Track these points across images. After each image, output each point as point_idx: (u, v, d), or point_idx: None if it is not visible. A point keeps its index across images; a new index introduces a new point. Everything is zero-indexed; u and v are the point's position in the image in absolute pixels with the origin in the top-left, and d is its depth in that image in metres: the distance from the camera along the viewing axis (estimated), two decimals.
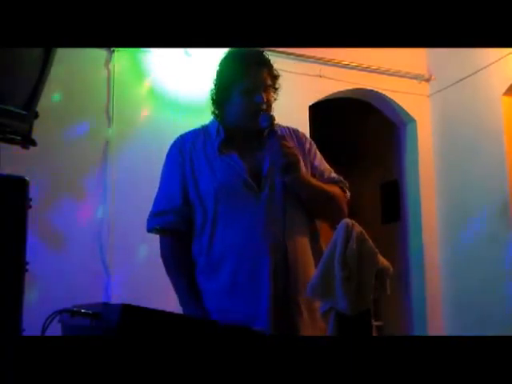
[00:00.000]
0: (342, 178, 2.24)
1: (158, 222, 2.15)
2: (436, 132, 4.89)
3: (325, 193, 2.13)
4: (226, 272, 2.07)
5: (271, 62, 2.16)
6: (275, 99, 2.18)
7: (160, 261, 2.18)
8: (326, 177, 2.20)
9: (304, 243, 2.10)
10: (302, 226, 2.11)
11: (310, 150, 2.23)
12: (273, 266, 2.01)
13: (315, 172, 2.20)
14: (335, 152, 2.31)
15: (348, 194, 2.22)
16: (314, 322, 2.02)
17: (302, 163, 2.06)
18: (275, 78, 2.16)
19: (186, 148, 2.17)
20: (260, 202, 2.05)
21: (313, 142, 2.28)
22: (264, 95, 2.09)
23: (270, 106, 2.12)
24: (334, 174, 2.24)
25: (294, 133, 2.27)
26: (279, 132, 2.14)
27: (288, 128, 2.27)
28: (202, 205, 2.10)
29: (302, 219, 2.11)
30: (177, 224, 2.13)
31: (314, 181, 2.13)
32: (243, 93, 2.09)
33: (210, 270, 2.10)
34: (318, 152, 2.26)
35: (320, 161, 2.24)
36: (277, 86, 2.17)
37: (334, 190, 2.17)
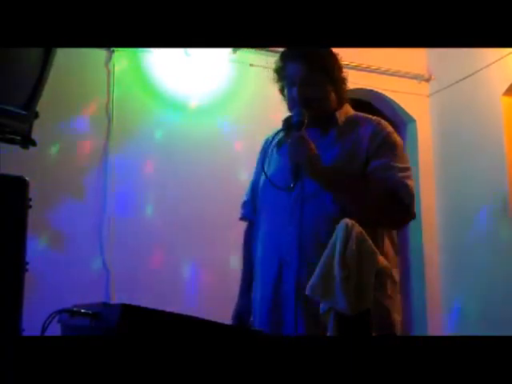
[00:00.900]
0: (399, 180, 1.98)
1: (241, 212, 2.33)
2: (436, 132, 4.89)
3: (349, 190, 1.98)
4: (256, 268, 2.16)
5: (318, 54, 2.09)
6: (334, 91, 2.10)
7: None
8: (376, 175, 1.99)
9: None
10: (328, 229, 1.89)
11: (371, 144, 2.03)
12: (278, 268, 2.02)
13: (369, 169, 2.01)
14: None
15: (404, 195, 1.97)
16: (315, 326, 1.90)
17: (312, 163, 1.95)
18: (322, 69, 2.08)
19: (265, 145, 2.29)
20: (290, 201, 2.03)
21: (385, 139, 2.05)
22: (300, 89, 2.06)
23: (312, 99, 2.06)
24: (389, 173, 1.99)
25: (369, 124, 2.09)
26: (352, 121, 2.09)
27: (366, 118, 2.13)
28: (259, 199, 2.21)
29: (330, 220, 1.90)
30: (249, 214, 2.28)
31: (337, 179, 1.99)
32: (286, 89, 2.13)
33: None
34: (385, 149, 2.03)
35: (382, 158, 2.01)
36: (334, 77, 2.10)
37: (366, 188, 1.98)
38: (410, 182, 2.00)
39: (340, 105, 2.15)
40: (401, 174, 2.00)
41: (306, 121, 2.02)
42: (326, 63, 2.10)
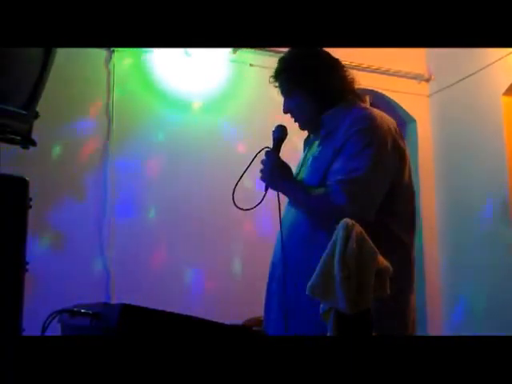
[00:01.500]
0: (336, 187, 1.90)
1: None
2: (436, 132, 4.89)
3: (303, 203, 2.03)
4: None
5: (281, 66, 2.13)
6: (314, 96, 2.07)
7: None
8: (329, 180, 1.95)
9: (303, 250, 2.00)
10: (301, 233, 2.02)
11: (337, 145, 1.97)
12: (270, 271, 2.12)
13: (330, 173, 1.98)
14: None
15: (340, 203, 1.88)
16: (294, 327, 1.95)
17: (272, 179, 2.03)
18: (293, 80, 2.09)
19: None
20: (286, 206, 2.13)
21: (352, 137, 1.95)
22: (284, 105, 2.14)
23: (292, 112, 2.13)
24: (333, 179, 1.93)
25: (347, 120, 2.00)
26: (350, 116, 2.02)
27: (349, 113, 2.02)
28: None
29: (302, 225, 2.02)
30: None
31: (292, 194, 2.04)
32: None
33: None
34: (346, 149, 1.95)
35: (338, 160, 1.96)
36: (307, 83, 2.07)
37: (316, 199, 1.96)
38: (348, 187, 1.88)
39: (331, 104, 2.07)
40: (341, 178, 1.90)
41: (283, 136, 2.08)
42: (297, 72, 2.09)
